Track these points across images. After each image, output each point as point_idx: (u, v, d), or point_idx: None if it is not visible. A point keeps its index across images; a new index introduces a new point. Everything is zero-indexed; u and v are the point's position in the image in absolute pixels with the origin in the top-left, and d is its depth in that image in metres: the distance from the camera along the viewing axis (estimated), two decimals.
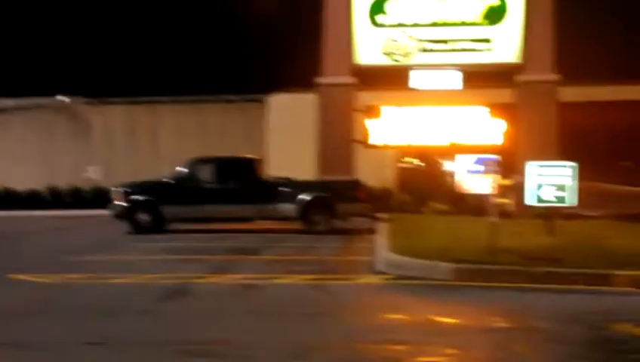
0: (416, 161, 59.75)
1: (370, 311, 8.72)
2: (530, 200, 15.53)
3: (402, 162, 50.44)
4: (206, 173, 18.64)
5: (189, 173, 18.61)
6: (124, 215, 18.36)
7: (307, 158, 23.15)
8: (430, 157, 47.88)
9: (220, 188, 18.35)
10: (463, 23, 21.41)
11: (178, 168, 19.09)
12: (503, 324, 8.09)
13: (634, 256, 11.82)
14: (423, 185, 27.13)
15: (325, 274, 11.40)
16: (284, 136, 34.08)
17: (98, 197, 26.46)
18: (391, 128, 22.31)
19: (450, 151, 24.51)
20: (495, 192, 12.19)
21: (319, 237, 17.08)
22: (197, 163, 19.00)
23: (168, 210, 18.21)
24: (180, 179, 18.52)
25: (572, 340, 7.37)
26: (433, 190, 26.98)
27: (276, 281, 10.72)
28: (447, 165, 19.79)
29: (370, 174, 29.07)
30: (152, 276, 11.11)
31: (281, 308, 8.84)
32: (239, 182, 18.42)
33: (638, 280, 10.24)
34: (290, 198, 18.22)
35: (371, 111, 22.75)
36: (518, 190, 19.90)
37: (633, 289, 10.01)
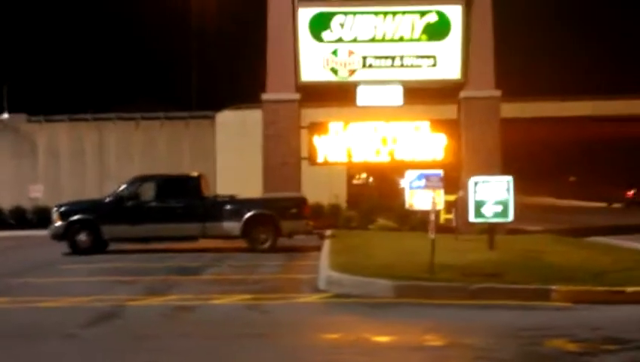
0: (366, 177, 60.07)
1: (305, 331, 8.57)
2: (472, 216, 15.58)
3: (353, 178, 50.73)
4: (148, 192, 18.28)
5: (130, 191, 18.22)
6: (62, 235, 17.87)
7: (256, 175, 22.96)
8: (383, 174, 48.32)
9: (162, 207, 18.01)
10: (402, 39, 21.53)
11: (120, 186, 18.70)
12: (436, 342, 8.02)
13: (571, 271, 11.95)
14: (371, 202, 27.18)
15: (265, 293, 11.22)
16: (233, 153, 33.85)
17: (41, 218, 25.78)
18: (337, 145, 22.26)
19: (397, 167, 24.60)
20: (434, 208, 12.15)
21: (263, 255, 16.88)
22: (138, 181, 18.64)
23: (108, 230, 17.78)
24: (121, 198, 18.13)
25: (504, 357, 7.34)
26: (382, 206, 27.06)
27: (213, 302, 10.50)
28: (400, 181, 19.83)
29: (319, 191, 29.08)
30: (85, 298, 10.78)
31: (214, 329, 8.63)
32: (182, 200, 18.11)
33: (575, 295, 10.31)
34: (234, 216, 17.98)
35: (317, 127, 22.69)
36: (462, 205, 20.07)
37: (569, 304, 10.07)
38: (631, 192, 54.07)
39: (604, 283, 10.68)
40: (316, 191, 27.43)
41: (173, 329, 8.67)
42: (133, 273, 13.87)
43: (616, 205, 51.88)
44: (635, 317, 9.20)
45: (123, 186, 18.54)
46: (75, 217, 17.85)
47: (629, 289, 10.38)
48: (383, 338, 8.19)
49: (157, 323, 9.04)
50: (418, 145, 22.10)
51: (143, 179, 18.77)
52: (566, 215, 39.44)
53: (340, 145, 22.25)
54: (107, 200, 18.49)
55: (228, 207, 18.19)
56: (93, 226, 17.75)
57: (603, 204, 53.42)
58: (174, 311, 9.85)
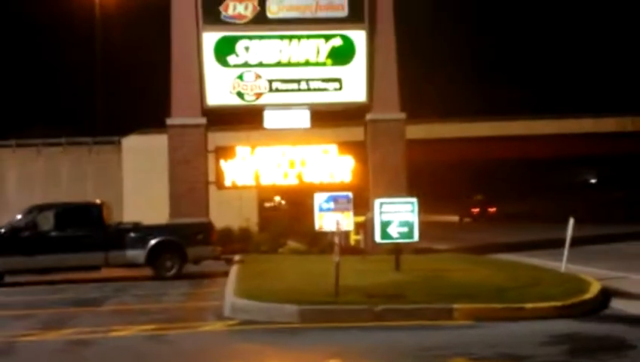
0: (278, 201, 59.87)
1: (206, 361, 8.36)
2: (378, 236, 15.70)
3: (265, 202, 50.54)
4: (46, 221, 17.59)
5: (26, 221, 17.49)
6: None
7: (164, 201, 22.46)
8: (295, 196, 48.36)
9: (61, 236, 17.35)
10: (308, 63, 21.67)
11: (15, 217, 17.94)
12: None
13: (473, 288, 12.19)
14: (282, 225, 27.08)
15: (168, 323, 10.92)
16: (140, 179, 33.12)
17: None
18: (244, 168, 22.10)
19: (306, 190, 24.60)
20: (339, 230, 12.16)
21: (169, 283, 16.50)
22: (35, 210, 17.92)
23: (3, 262, 16.98)
24: (17, 229, 17.38)
25: None
26: (292, 229, 27.01)
27: (113, 334, 10.12)
28: (313, 203, 19.79)
29: (230, 215, 28.78)
30: None
31: None
32: (83, 229, 17.51)
33: (476, 313, 10.50)
34: (139, 244, 17.52)
35: (224, 151, 22.47)
36: (369, 227, 20.24)
37: (471, 322, 10.22)
38: (476, 209, 60.14)
39: (504, 301, 10.93)
40: (227, 215, 27.15)
41: None
42: (28, 306, 13.27)
43: (467, 219, 58.84)
44: (533, 332, 9.41)
45: (19, 216, 17.80)
46: None
47: (528, 305, 10.65)
48: None
49: (49, 360, 8.62)
50: (326, 167, 22.20)
51: (40, 209, 18.07)
52: (473, 233, 40.40)
53: (247, 168, 22.10)
54: (1, 231, 17.66)
55: (132, 234, 17.72)
56: None
57: (455, 218, 59.32)
58: (69, 345, 9.43)
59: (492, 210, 61.55)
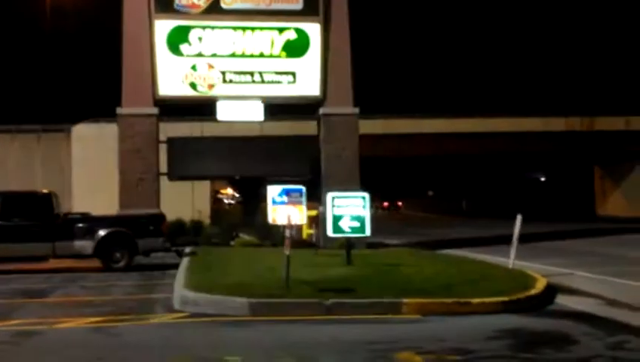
0: (231, 193, 59.60)
1: (152, 354, 8.26)
2: (330, 230, 15.74)
3: (218, 193, 50.23)
4: None
5: None
6: None
7: (113, 191, 22.14)
8: (248, 189, 48.14)
9: (8, 226, 16.96)
10: (262, 55, 21.59)
11: None
12: (284, 360, 7.96)
13: (422, 283, 12.31)
14: (234, 217, 27.01)
15: (116, 315, 10.76)
16: (90, 168, 32.62)
17: None
18: (195, 160, 21.91)
19: (260, 183, 24.53)
20: (290, 224, 12.15)
21: (117, 274, 16.28)
22: None
23: None
24: None
25: None
26: (245, 222, 26.95)
27: (57, 326, 9.92)
28: (265, 196, 19.77)
29: (182, 207, 28.54)
30: None
31: (53, 356, 8.15)
32: (29, 219, 17.15)
33: (424, 307, 10.60)
34: (87, 234, 17.25)
35: (176, 142, 22.25)
36: (322, 221, 20.28)
37: (419, 317, 10.32)
38: (386, 203, 68.72)
39: (452, 295, 11.05)
40: (179, 207, 26.92)
41: (7, 358, 8.10)
42: None
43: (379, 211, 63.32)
44: (480, 327, 9.53)
45: None
46: None
47: (475, 300, 10.79)
48: (230, 358, 8.03)
49: None
50: (279, 160, 22.15)
51: None
52: (426, 228, 40.83)
53: (198, 160, 21.91)
54: None
55: (80, 225, 17.44)
56: None
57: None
58: (13, 336, 9.21)
59: (400, 203, 70.58)
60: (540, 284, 12.33)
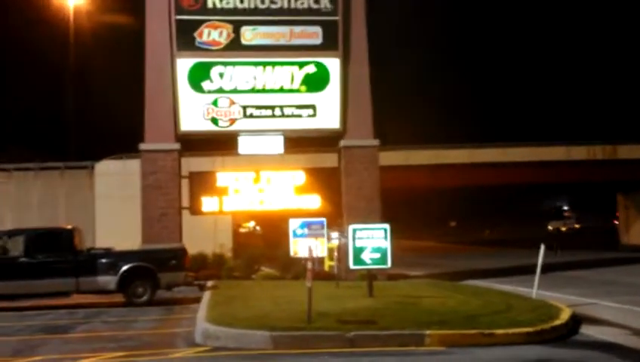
0: (253, 226, 59.69)
1: None
2: (351, 262, 15.69)
3: (240, 227, 50.30)
4: (16, 246, 17.34)
5: None
6: None
7: (136, 227, 22.29)
8: (270, 222, 48.16)
9: (31, 262, 17.10)
10: (282, 90, 21.78)
11: None
12: None
13: (445, 315, 12.22)
14: (255, 251, 27.00)
15: (138, 349, 10.78)
16: (113, 204, 32.90)
17: None
18: (218, 194, 22.04)
19: (280, 216, 24.57)
20: (311, 256, 12.15)
21: (140, 309, 16.30)
22: (5, 235, 17.68)
23: None
24: None
25: None
26: (266, 255, 26.93)
27: None
28: (288, 229, 19.85)
29: (204, 240, 28.63)
30: None
31: None
32: (52, 255, 17.26)
33: (448, 339, 10.52)
34: (110, 270, 17.32)
35: (197, 177, 22.42)
36: (343, 252, 20.25)
37: (443, 348, 10.24)
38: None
39: (475, 327, 10.96)
40: (201, 241, 27.01)
41: None
42: None
43: None
44: (504, 358, 9.45)
45: None
46: None
47: (499, 331, 10.70)
48: None
49: None
50: (299, 193, 22.21)
51: (10, 234, 17.85)
52: (447, 259, 40.52)
53: (220, 194, 22.03)
54: None
55: (103, 260, 17.52)
56: None
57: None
58: None
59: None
60: (565, 314, 12.19)
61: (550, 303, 13.82)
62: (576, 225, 69.60)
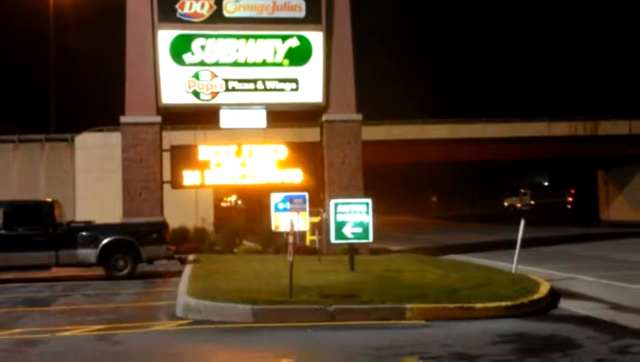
0: (235, 200, 59.59)
1: (155, 361, 8.27)
2: (333, 237, 15.72)
3: (221, 201, 50.23)
4: None
5: None
6: None
7: (117, 200, 22.16)
8: (251, 196, 48.11)
9: (11, 235, 16.96)
10: (264, 63, 21.63)
11: None
12: None
13: (426, 289, 12.29)
14: (237, 225, 26.97)
15: (119, 322, 10.76)
16: (94, 177, 32.72)
17: None
18: (199, 168, 21.93)
19: (262, 190, 24.55)
20: (293, 230, 12.15)
21: (121, 282, 16.27)
22: None
23: None
24: None
25: None
26: (248, 229, 26.93)
27: (61, 334, 9.93)
28: (269, 203, 19.81)
29: (186, 214, 28.58)
30: None
31: None
32: (32, 227, 17.13)
33: (428, 313, 10.58)
34: (90, 243, 17.23)
35: (179, 150, 22.29)
36: (325, 227, 20.29)
37: (424, 322, 10.31)
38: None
39: (455, 300, 11.03)
40: (183, 214, 26.95)
41: None
42: None
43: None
44: (483, 332, 9.52)
45: None
46: None
47: (479, 305, 10.78)
48: None
49: None
50: (281, 167, 22.16)
51: None
52: (429, 234, 40.76)
53: (202, 168, 21.93)
54: None
55: (83, 233, 17.42)
56: None
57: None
58: (17, 345, 9.23)
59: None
60: (544, 289, 12.31)
61: (530, 277, 13.95)
62: (531, 202, 70.79)
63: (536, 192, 72.59)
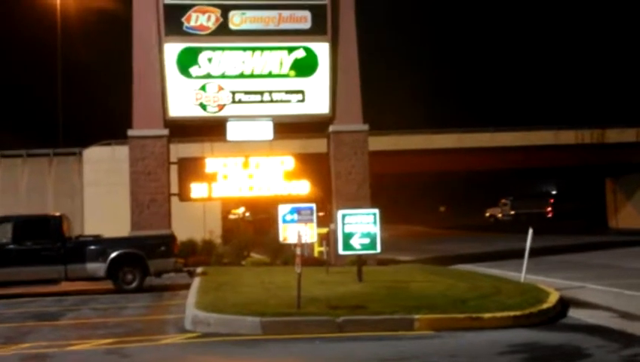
0: (242, 212, 59.60)
1: None
2: (340, 248, 15.71)
3: (229, 213, 50.26)
4: (4, 234, 17.19)
5: None
6: None
7: (125, 213, 22.23)
8: (259, 208, 48.12)
9: (19, 249, 17.02)
10: (271, 75, 21.71)
11: None
12: None
13: (434, 299, 12.26)
14: (245, 237, 26.97)
15: (128, 336, 10.77)
16: (102, 191, 32.79)
17: None
18: (207, 180, 21.97)
19: (270, 202, 24.57)
20: (300, 242, 12.15)
21: (129, 296, 16.29)
22: None
23: None
24: None
25: None
26: (255, 241, 26.93)
27: (70, 348, 9.96)
28: (277, 215, 19.84)
29: (194, 227, 28.59)
30: None
31: None
32: (41, 242, 17.19)
33: (437, 323, 10.56)
34: (99, 257, 17.26)
35: (187, 163, 22.35)
36: (333, 238, 20.26)
37: (432, 332, 10.28)
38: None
39: (464, 311, 11.01)
40: (190, 227, 26.97)
41: None
42: None
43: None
44: (492, 342, 9.49)
45: None
46: None
47: (487, 315, 10.75)
48: None
49: None
50: (288, 179, 22.18)
51: None
52: (437, 244, 40.66)
53: (209, 180, 21.97)
54: None
55: (92, 247, 17.46)
56: None
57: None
58: (26, 360, 9.25)
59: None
60: (552, 298, 12.26)
61: (538, 287, 13.90)
62: (512, 212, 71.60)
63: (516, 203, 73.36)
